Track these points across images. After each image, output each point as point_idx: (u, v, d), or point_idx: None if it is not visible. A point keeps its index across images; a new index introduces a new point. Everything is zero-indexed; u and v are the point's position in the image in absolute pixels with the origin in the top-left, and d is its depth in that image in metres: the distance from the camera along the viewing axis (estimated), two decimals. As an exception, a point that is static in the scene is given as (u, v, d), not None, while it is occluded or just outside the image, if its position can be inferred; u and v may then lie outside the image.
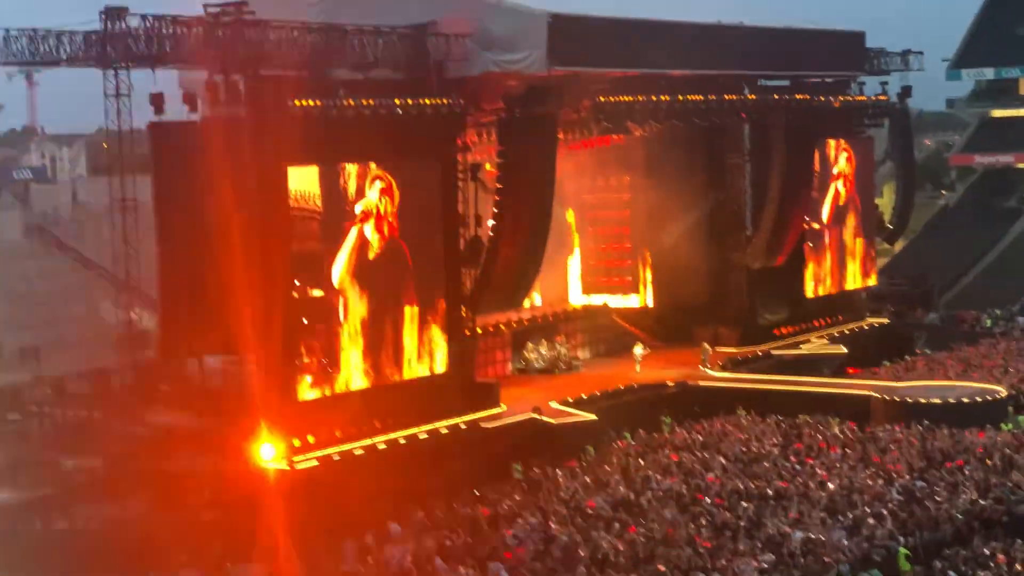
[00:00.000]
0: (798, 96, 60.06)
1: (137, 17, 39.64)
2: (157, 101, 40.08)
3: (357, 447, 41.79)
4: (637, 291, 61.87)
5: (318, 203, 42.04)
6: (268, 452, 39.68)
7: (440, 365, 45.86)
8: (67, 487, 41.35)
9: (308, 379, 41.73)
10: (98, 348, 58.90)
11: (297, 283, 41.40)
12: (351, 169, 43.08)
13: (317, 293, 42.01)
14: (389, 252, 44.25)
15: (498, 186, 46.81)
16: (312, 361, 41.82)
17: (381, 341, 43.93)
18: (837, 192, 65.34)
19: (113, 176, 44.19)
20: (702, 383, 52.77)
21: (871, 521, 32.72)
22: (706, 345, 55.21)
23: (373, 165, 43.60)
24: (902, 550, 31.00)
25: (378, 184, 43.83)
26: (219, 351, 40.78)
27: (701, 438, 43.87)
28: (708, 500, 35.78)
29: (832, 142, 64.45)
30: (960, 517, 33.03)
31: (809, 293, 63.81)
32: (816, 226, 63.63)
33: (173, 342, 39.74)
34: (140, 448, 41.49)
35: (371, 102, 42.52)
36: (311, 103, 40.84)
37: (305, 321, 41.55)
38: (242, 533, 35.14)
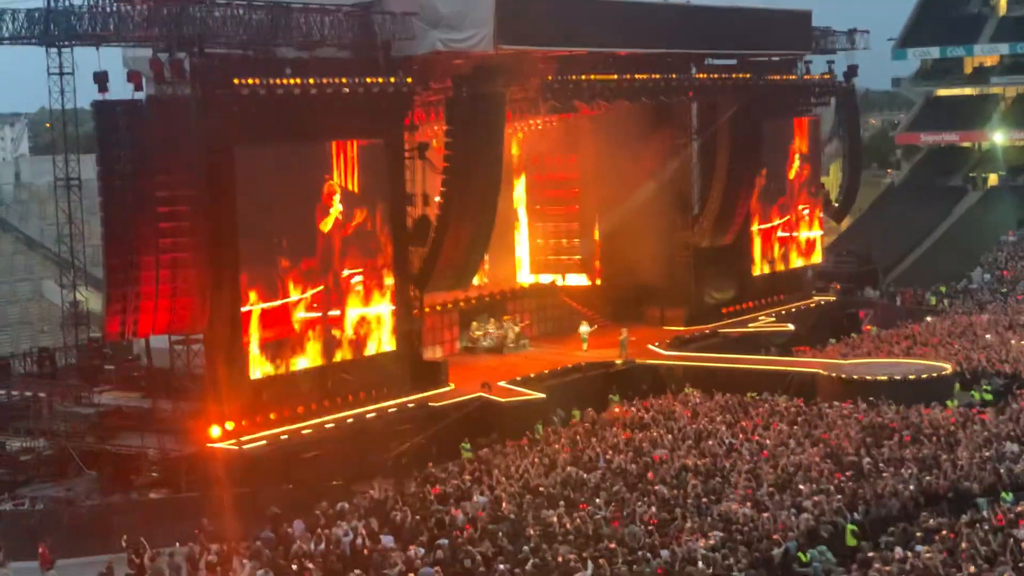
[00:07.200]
0: (745, 75, 60.18)
1: (81, -6, 39.33)
2: (101, 79, 39.67)
3: (306, 427, 41.69)
4: (585, 270, 62.02)
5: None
6: (216, 432, 39.52)
7: (388, 344, 45.78)
8: (13, 468, 41.08)
9: (257, 359, 41.51)
10: (43, 328, 58.66)
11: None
12: (307, 147, 43.11)
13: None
14: (337, 231, 44.11)
15: (446, 165, 46.69)
16: (261, 341, 41.61)
17: (330, 320, 43.80)
18: (785, 170, 65.62)
19: (57, 155, 43.92)
20: (650, 361, 52.88)
21: (818, 497, 32.89)
22: (624, 332, 54.03)
23: (328, 145, 43.52)
24: (849, 526, 31.20)
25: (332, 161, 43.77)
26: (166, 331, 40.53)
27: (649, 416, 43.97)
28: (656, 477, 35.87)
29: (779, 121, 64.65)
30: (906, 493, 33.27)
31: (756, 271, 64.09)
32: (762, 204, 63.86)
33: (119, 322, 39.42)
34: (86, 428, 41.26)
35: (318, 81, 42.29)
36: (257, 82, 40.58)
37: (255, 303, 41.36)
38: (189, 514, 34.95)
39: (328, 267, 43.82)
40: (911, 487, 33.67)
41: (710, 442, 39.54)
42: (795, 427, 41.15)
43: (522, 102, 51.63)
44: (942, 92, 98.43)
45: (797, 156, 66.36)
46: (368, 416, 43.56)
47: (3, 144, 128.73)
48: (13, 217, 70.35)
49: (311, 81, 42.07)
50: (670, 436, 40.60)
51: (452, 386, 47.14)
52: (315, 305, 43.30)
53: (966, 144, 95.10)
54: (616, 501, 33.91)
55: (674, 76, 56.47)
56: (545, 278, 61.62)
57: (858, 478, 34.92)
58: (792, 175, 66.20)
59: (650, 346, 54.67)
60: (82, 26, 39.58)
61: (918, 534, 30.13)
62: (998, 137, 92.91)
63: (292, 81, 41.65)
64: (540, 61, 50.39)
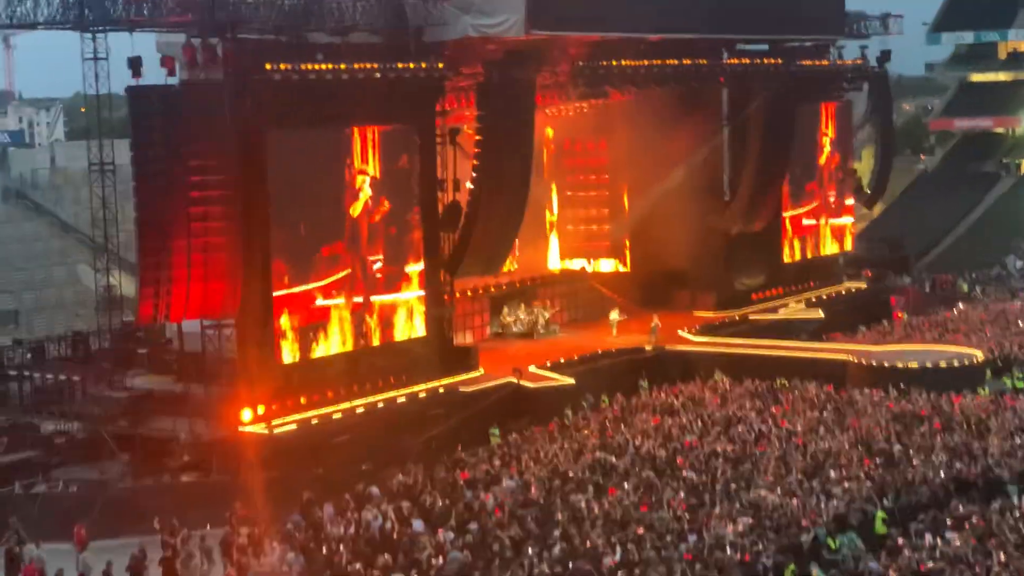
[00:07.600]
0: (777, 60, 59.97)
1: (115, -20, 39.50)
2: (135, 64, 39.95)
3: (336, 411, 41.86)
4: (615, 256, 61.97)
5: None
6: (247, 416, 39.72)
7: (419, 329, 45.91)
8: (46, 450, 41.35)
9: (287, 343, 41.70)
10: (77, 312, 58.98)
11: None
12: (337, 132, 43.19)
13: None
14: (367, 216, 44.24)
15: (477, 150, 46.74)
16: (292, 325, 41.78)
17: (360, 305, 43.94)
18: (817, 156, 65.44)
19: (91, 140, 44.17)
20: (679, 347, 52.85)
21: (848, 484, 32.89)
22: (655, 320, 54.10)
23: (357, 129, 43.62)
24: (879, 512, 31.17)
25: (363, 146, 43.87)
26: (198, 316, 40.77)
27: (679, 402, 43.98)
28: (685, 463, 35.91)
29: (812, 106, 64.43)
30: (936, 480, 33.22)
31: (786, 258, 63.95)
32: (794, 190, 63.70)
33: (152, 306, 39.70)
34: (119, 412, 41.54)
35: (349, 66, 42.37)
36: (289, 67, 40.69)
37: (286, 288, 41.54)
38: (220, 497, 35.16)
39: (358, 252, 43.94)
40: (941, 474, 33.63)
41: (739, 428, 39.55)
42: (825, 414, 41.11)
43: (553, 87, 51.62)
44: (976, 77, 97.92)
45: (829, 142, 66.16)
46: (398, 401, 43.71)
47: (39, 129, 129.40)
48: (48, 202, 70.80)
49: (343, 66, 42.14)
50: (699, 422, 40.61)
51: (482, 371, 47.24)
52: (345, 290, 43.44)
53: (1000, 130, 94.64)
54: (645, 487, 33.97)
55: (705, 62, 56.36)
56: (575, 264, 61.63)
57: (888, 465, 34.89)
58: (823, 161, 66.03)
59: (680, 332, 54.63)
60: (116, 11, 39.80)
61: (948, 521, 30.10)
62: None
63: (324, 66, 41.73)
64: (571, 46, 50.33)
